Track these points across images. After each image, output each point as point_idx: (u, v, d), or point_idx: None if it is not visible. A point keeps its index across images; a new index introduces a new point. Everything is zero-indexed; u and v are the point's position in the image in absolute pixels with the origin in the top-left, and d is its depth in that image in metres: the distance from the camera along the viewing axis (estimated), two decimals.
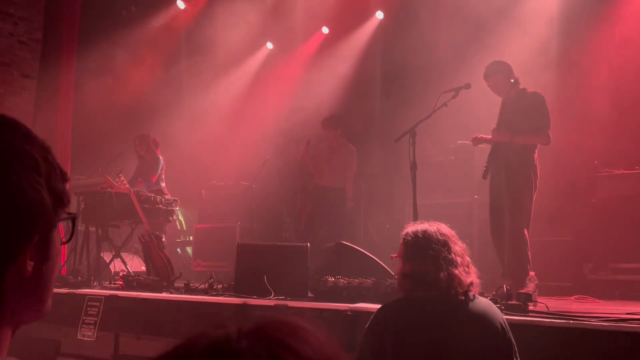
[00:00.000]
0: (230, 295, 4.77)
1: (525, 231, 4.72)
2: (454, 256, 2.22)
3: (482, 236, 6.06)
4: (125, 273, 5.90)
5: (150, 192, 6.65)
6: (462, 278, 2.20)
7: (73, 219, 0.89)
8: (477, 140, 5.14)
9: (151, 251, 5.96)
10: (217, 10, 8.94)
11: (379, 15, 8.81)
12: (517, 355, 2.25)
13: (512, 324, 3.18)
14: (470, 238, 6.45)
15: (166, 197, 6.79)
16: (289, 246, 5.37)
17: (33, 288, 0.83)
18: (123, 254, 6.67)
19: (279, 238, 7.72)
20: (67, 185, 0.87)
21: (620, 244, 5.50)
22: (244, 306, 4.13)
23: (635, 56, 6.28)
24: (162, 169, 7.06)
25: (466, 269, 2.24)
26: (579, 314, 3.40)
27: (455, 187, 6.77)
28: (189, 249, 8.77)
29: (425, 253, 2.21)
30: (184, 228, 9.21)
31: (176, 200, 6.85)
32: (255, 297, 4.51)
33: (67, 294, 5.04)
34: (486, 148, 5.08)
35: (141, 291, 5.16)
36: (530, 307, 3.58)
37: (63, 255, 6.34)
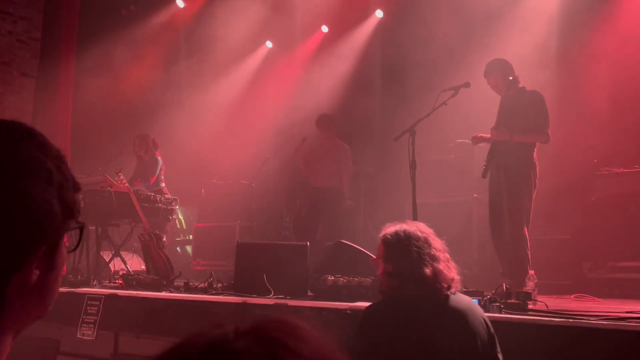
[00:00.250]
0: (229, 294, 4.77)
1: (525, 230, 4.73)
2: (436, 252, 2.26)
3: (481, 235, 6.06)
4: (124, 272, 5.90)
5: (150, 191, 6.64)
6: (446, 273, 2.24)
7: (81, 229, 0.89)
8: (476, 139, 5.14)
9: (151, 250, 5.96)
10: (217, 8, 8.93)
11: (379, 14, 8.81)
12: (499, 350, 2.28)
13: (511, 322, 3.20)
14: (470, 237, 6.46)
15: (166, 196, 6.79)
16: (289, 245, 5.37)
17: (37, 296, 0.83)
18: (123, 253, 6.66)
19: (278, 237, 7.72)
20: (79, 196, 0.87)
21: (620, 243, 5.50)
22: (244, 305, 4.12)
23: (635, 54, 6.28)
24: (160, 170, 7.06)
25: (448, 264, 2.28)
26: (579, 312, 3.41)
27: (455, 186, 6.77)
28: (188, 248, 8.77)
29: (409, 250, 2.24)
30: (184, 227, 9.21)
31: (176, 199, 6.85)
32: (254, 296, 4.51)
33: (67, 293, 5.04)
34: (486, 147, 5.08)
35: (141, 290, 5.16)
36: (530, 306, 3.58)
37: None
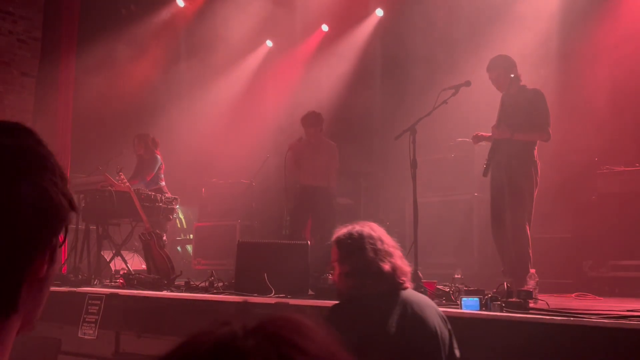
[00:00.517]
0: (230, 293, 4.77)
1: (527, 227, 4.73)
2: (390, 248, 2.28)
3: (482, 233, 6.06)
4: (125, 271, 5.90)
5: (150, 190, 6.65)
6: (404, 267, 2.28)
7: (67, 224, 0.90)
8: (477, 138, 5.14)
9: (152, 249, 5.96)
10: (217, 8, 8.93)
11: (379, 12, 8.80)
12: (457, 346, 2.30)
13: (513, 321, 3.20)
14: (470, 235, 6.46)
15: (166, 195, 6.79)
16: (289, 244, 5.37)
17: (43, 290, 0.83)
18: (123, 252, 6.67)
19: (279, 236, 7.70)
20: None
21: (621, 241, 5.50)
22: (245, 304, 4.13)
23: (636, 52, 6.27)
24: (159, 169, 7.06)
25: (402, 260, 2.31)
26: (580, 311, 3.41)
27: (456, 184, 6.76)
28: (189, 247, 8.77)
29: (364, 248, 2.26)
30: (184, 226, 9.21)
31: (176, 199, 6.85)
32: (255, 295, 4.51)
33: (68, 292, 5.05)
34: (486, 145, 5.07)
35: (142, 289, 5.16)
36: (531, 305, 3.57)
37: (63, 253, 6.35)
